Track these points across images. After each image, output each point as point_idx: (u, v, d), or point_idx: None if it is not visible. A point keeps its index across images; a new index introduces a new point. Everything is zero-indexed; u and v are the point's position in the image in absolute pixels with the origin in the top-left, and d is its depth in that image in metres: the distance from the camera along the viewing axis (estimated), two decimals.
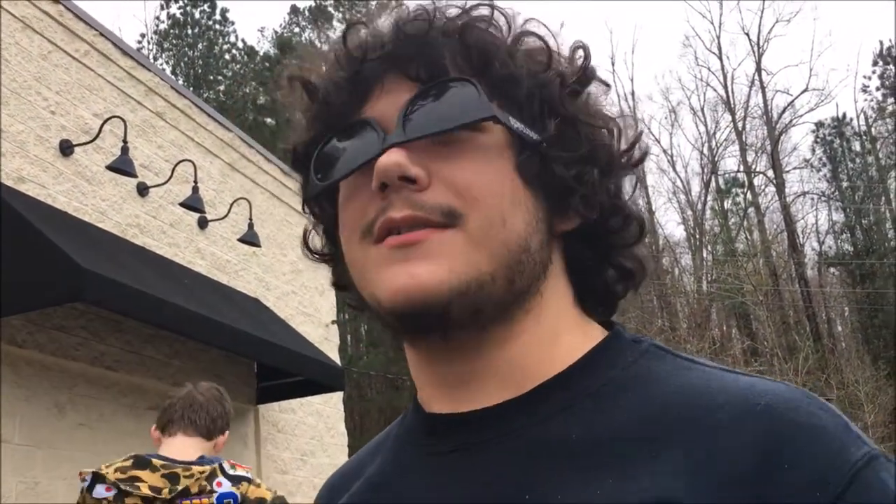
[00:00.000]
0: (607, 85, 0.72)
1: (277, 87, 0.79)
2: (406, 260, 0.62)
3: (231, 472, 2.62)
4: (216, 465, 2.61)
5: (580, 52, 0.71)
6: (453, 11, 0.68)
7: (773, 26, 32.03)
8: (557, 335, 0.67)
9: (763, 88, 30.95)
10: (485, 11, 0.68)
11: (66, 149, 6.03)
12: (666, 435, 0.57)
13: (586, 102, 0.70)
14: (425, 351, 0.69)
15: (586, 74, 0.70)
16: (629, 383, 0.63)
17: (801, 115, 31.97)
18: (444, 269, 0.61)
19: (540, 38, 0.69)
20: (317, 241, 0.78)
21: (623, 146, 0.71)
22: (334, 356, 9.40)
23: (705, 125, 32.24)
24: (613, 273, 0.72)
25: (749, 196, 30.86)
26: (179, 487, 2.50)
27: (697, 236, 30.42)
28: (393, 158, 0.62)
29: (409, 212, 0.62)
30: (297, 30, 34.09)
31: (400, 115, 0.64)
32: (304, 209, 0.77)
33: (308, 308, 9.41)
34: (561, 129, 0.66)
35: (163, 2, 30.92)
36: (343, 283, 0.76)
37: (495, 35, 0.67)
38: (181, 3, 30.98)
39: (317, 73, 0.71)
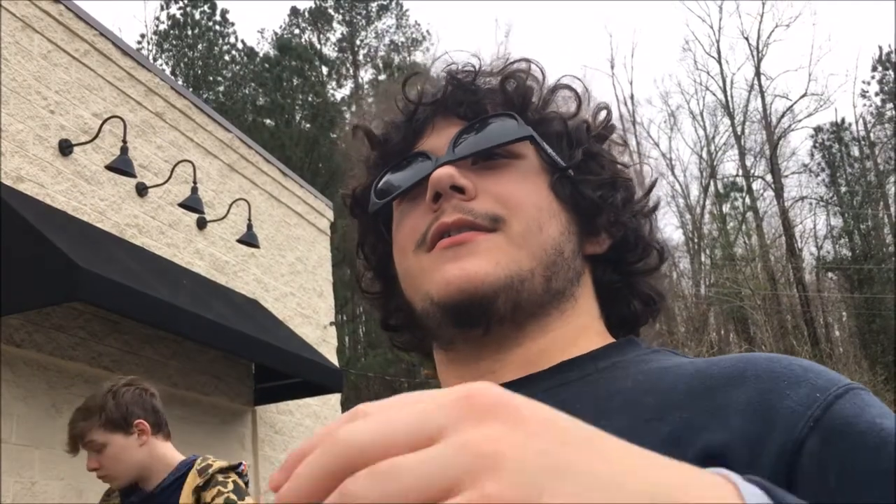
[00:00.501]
0: (626, 143, 0.85)
1: (345, 137, 0.88)
2: (457, 258, 0.71)
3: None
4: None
5: (604, 112, 0.83)
6: (496, 65, 0.81)
7: (773, 31, 32.08)
8: (582, 335, 0.75)
9: (762, 93, 30.99)
10: (523, 66, 0.81)
11: (65, 148, 6.03)
12: (671, 387, 0.63)
13: (609, 149, 0.82)
14: (461, 347, 0.75)
15: (608, 128, 0.83)
16: (642, 362, 0.70)
17: (799, 120, 32.04)
18: (490, 263, 0.70)
19: (571, 89, 0.82)
20: (368, 283, 0.87)
21: (640, 192, 0.83)
22: (332, 358, 9.39)
23: (704, 129, 32.28)
24: (635, 300, 0.81)
25: (748, 200, 30.89)
26: None
27: (696, 240, 30.43)
28: (446, 171, 0.72)
29: (459, 216, 0.72)
30: (296, 31, 34.09)
31: (451, 143, 0.76)
32: (357, 254, 0.87)
33: (306, 309, 9.40)
34: (587, 160, 0.78)
35: (163, 2, 30.92)
36: (393, 324, 0.85)
37: (532, 85, 0.80)
38: (181, 3, 30.99)
39: (377, 124, 0.84)
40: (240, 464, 2.68)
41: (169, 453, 2.67)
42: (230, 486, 2.54)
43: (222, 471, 2.60)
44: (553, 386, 0.69)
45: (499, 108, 0.78)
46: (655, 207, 0.84)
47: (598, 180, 0.78)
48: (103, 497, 2.89)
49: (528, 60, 0.82)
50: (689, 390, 0.62)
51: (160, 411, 2.72)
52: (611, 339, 0.78)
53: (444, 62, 0.83)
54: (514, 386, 0.69)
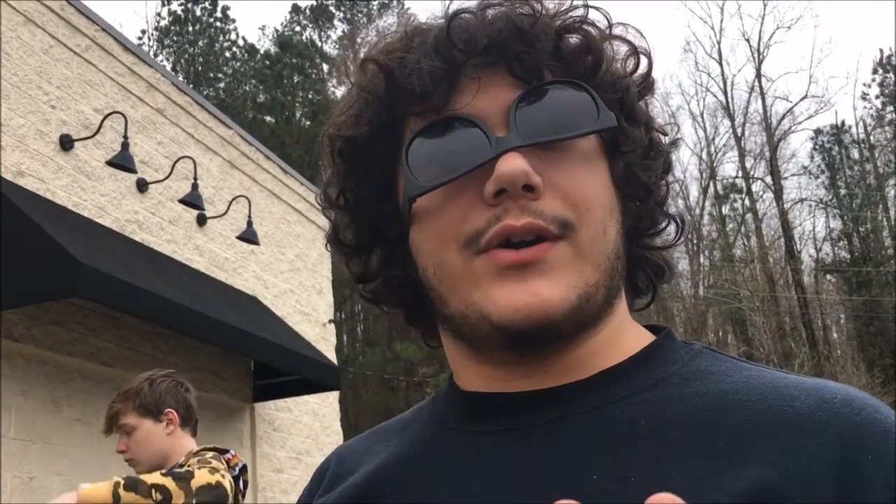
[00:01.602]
0: (653, 89, 0.74)
1: (344, 67, 0.73)
2: (524, 277, 0.61)
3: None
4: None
5: (644, 59, 0.71)
6: (551, 8, 0.67)
7: (774, 33, 32.11)
8: (622, 331, 0.68)
9: (763, 95, 31.02)
10: (581, 10, 0.67)
11: (66, 143, 6.03)
12: (741, 427, 0.57)
13: (647, 106, 0.71)
14: (500, 357, 0.66)
15: (650, 81, 0.72)
16: (692, 377, 0.64)
17: (800, 122, 32.07)
18: (562, 286, 0.61)
19: (630, 43, 0.70)
20: (345, 235, 0.75)
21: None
22: (331, 355, 9.40)
23: (704, 130, 32.31)
24: (650, 273, 0.74)
25: (747, 202, 30.92)
26: None
27: (695, 241, 30.46)
28: (519, 165, 0.60)
29: (529, 219, 0.61)
30: (297, 28, 34.08)
31: (511, 117, 0.62)
32: (335, 201, 0.74)
33: (305, 307, 9.41)
34: (645, 139, 0.69)
35: None
36: (369, 275, 0.75)
37: (594, 33, 0.67)
38: (182, 0, 30.98)
39: (397, 59, 0.66)
40: (227, 450, 2.74)
41: (188, 446, 2.75)
42: (211, 461, 2.59)
43: (212, 451, 2.69)
44: (602, 404, 0.63)
45: (564, 69, 0.65)
46: (668, 186, 0.75)
47: (651, 164, 0.69)
48: None
49: (592, 6, 0.68)
50: (761, 433, 0.56)
51: (192, 406, 2.83)
52: (645, 332, 0.71)
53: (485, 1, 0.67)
54: (557, 397, 0.64)
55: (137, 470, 2.74)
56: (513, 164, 0.60)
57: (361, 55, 0.70)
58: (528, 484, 0.60)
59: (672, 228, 0.74)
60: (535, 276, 0.61)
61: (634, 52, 0.69)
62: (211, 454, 2.64)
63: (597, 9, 0.68)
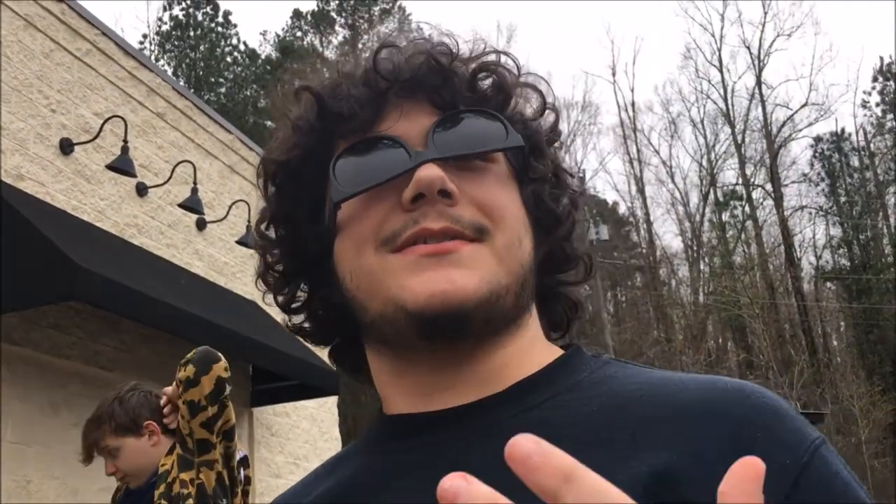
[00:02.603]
0: (563, 146, 0.83)
1: (283, 91, 0.80)
2: (440, 267, 0.66)
3: None
4: None
5: (553, 115, 0.79)
6: (469, 50, 0.75)
7: (774, 40, 32.16)
8: (533, 348, 0.73)
9: (763, 102, 31.05)
10: (500, 58, 0.75)
11: (66, 147, 6.03)
12: (642, 417, 0.62)
13: (555, 151, 0.79)
14: (417, 358, 0.70)
15: (557, 132, 0.79)
16: (599, 381, 0.68)
17: (800, 130, 32.05)
18: (477, 276, 0.66)
19: (538, 90, 0.77)
20: (276, 260, 0.79)
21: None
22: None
23: (705, 137, 32.33)
24: (564, 308, 0.80)
25: (747, 209, 30.93)
26: None
27: (695, 248, 30.47)
28: (436, 172, 0.66)
29: (446, 223, 0.66)
30: (299, 34, 34.14)
31: (429, 135, 0.69)
32: (266, 227, 0.78)
33: None
34: (551, 171, 0.75)
35: (166, 3, 30.97)
36: (296, 304, 0.79)
37: (508, 75, 0.75)
38: (184, 4, 31.03)
39: (329, 87, 0.74)
40: None
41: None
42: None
43: None
44: (519, 411, 0.66)
45: (477, 101, 0.72)
46: (575, 221, 0.81)
47: (559, 195, 0.76)
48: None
49: (504, 53, 0.76)
50: (660, 421, 0.61)
51: None
52: (556, 349, 0.75)
53: (413, 38, 0.76)
54: (475, 410, 0.68)
55: (135, 484, 2.73)
56: (430, 171, 0.66)
57: (296, 85, 0.77)
58: None
59: (581, 268, 0.80)
60: (451, 265, 0.66)
61: (542, 98, 0.77)
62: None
63: (507, 54, 0.77)
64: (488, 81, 0.74)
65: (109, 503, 2.96)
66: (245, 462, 2.75)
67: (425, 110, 0.71)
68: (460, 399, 0.69)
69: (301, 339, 0.82)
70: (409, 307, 0.66)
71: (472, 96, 0.72)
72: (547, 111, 0.78)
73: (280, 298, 0.79)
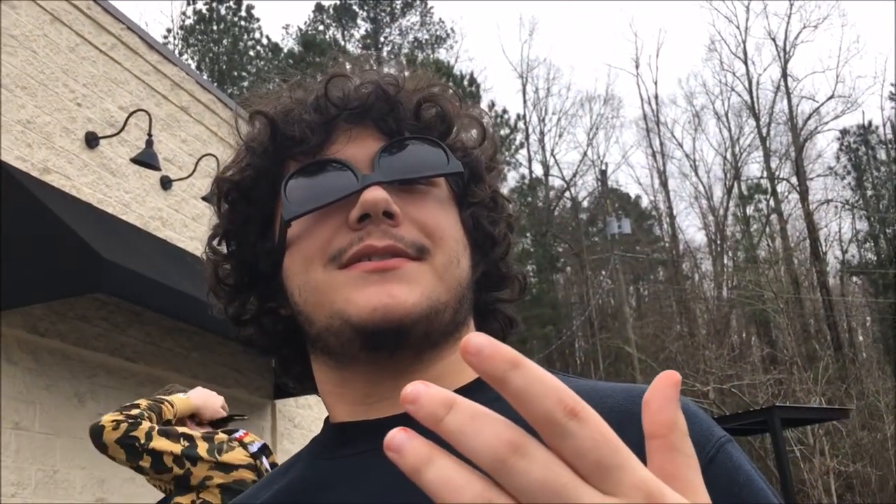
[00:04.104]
0: (503, 174, 0.90)
1: (240, 115, 0.86)
2: (383, 282, 0.70)
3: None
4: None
5: (493, 144, 0.85)
6: (417, 80, 0.81)
7: (800, 32, 31.70)
8: None
9: (788, 94, 30.71)
10: (441, 84, 0.82)
11: (91, 141, 6.09)
12: None
13: (495, 176, 0.85)
14: (359, 369, 0.74)
15: (495, 159, 0.85)
16: None
17: (826, 122, 31.66)
18: (417, 292, 0.70)
19: (478, 120, 0.84)
20: (227, 274, 0.82)
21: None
22: None
23: (729, 130, 32.04)
24: (500, 323, 0.85)
25: (772, 203, 30.63)
26: None
27: (718, 242, 30.23)
28: (381, 194, 0.71)
29: (389, 242, 0.71)
30: (321, 27, 34.20)
31: (375, 159, 0.74)
32: (217, 242, 0.83)
33: None
34: (489, 196, 0.81)
35: None
36: (245, 315, 0.82)
37: (450, 106, 0.80)
38: None
39: (281, 112, 0.78)
40: (235, 430, 2.85)
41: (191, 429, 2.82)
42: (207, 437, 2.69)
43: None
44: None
45: (421, 129, 0.78)
46: (510, 243, 0.86)
47: (496, 218, 0.81)
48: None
49: (443, 85, 0.82)
50: None
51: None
52: None
53: (363, 69, 0.83)
54: (403, 421, 0.69)
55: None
56: (375, 193, 0.71)
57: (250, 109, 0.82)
58: (386, 496, 0.67)
59: (515, 287, 0.85)
60: (394, 281, 0.70)
61: (482, 129, 0.83)
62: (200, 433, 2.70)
63: (450, 87, 0.83)
64: (432, 111, 0.79)
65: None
66: (266, 450, 2.77)
67: (372, 136, 0.76)
68: (400, 408, 0.70)
69: (248, 351, 0.86)
70: (353, 320, 0.70)
71: (417, 124, 0.78)
72: (486, 141, 0.83)
73: (230, 310, 0.83)
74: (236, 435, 2.75)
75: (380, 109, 0.77)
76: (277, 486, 0.78)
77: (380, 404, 0.74)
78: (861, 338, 30.51)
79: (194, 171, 6.93)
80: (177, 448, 2.57)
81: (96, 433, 2.56)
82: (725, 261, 30.08)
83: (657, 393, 0.39)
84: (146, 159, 5.99)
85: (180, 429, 2.65)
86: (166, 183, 6.83)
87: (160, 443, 2.55)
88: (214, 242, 0.83)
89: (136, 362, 6.25)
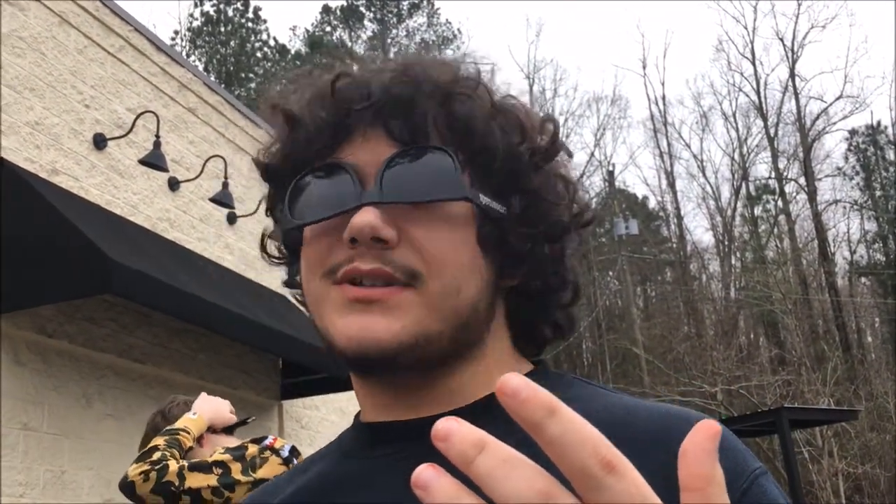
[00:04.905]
0: (570, 154, 0.79)
1: (264, 104, 0.82)
2: (364, 312, 0.68)
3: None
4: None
5: (550, 125, 0.76)
6: (440, 75, 0.72)
7: (808, 32, 31.59)
8: (496, 367, 0.74)
9: (796, 94, 30.60)
10: (469, 78, 0.73)
11: (99, 142, 6.11)
12: None
13: (548, 173, 0.75)
14: (374, 380, 0.74)
15: (554, 147, 0.76)
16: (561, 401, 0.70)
17: (834, 123, 31.53)
18: (397, 325, 0.67)
19: (516, 111, 0.74)
20: (273, 248, 0.85)
21: (574, 210, 0.78)
22: None
23: (737, 131, 31.95)
24: (546, 327, 0.79)
25: (780, 203, 30.53)
26: None
27: (726, 243, 30.15)
28: (368, 219, 0.66)
29: (377, 265, 0.67)
30: (328, 29, 34.25)
31: (378, 173, 0.69)
32: (267, 214, 0.84)
33: None
34: (523, 206, 0.73)
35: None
36: (293, 282, 0.84)
37: (478, 104, 0.72)
38: (214, 0, 31.26)
39: (300, 106, 0.75)
40: (265, 437, 2.80)
41: (224, 443, 2.79)
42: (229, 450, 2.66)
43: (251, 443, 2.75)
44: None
45: (439, 132, 0.70)
46: (586, 224, 0.80)
47: (529, 233, 0.73)
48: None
49: (475, 79, 0.73)
50: (615, 445, 0.62)
51: None
52: (521, 364, 0.77)
53: (384, 60, 0.77)
54: (429, 425, 0.69)
55: None
56: (363, 217, 0.67)
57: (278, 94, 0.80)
58: (412, 500, 0.65)
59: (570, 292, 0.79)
60: (376, 313, 0.67)
61: (525, 126, 0.74)
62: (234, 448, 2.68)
63: (480, 73, 0.74)
64: (455, 112, 0.71)
65: None
66: (295, 452, 2.76)
67: (384, 141, 0.71)
68: (428, 411, 0.71)
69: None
70: (336, 345, 0.69)
71: (437, 130, 0.70)
72: (525, 139, 0.74)
73: (285, 274, 0.85)
74: (266, 443, 2.73)
75: (392, 110, 0.70)
76: (301, 482, 0.78)
77: (403, 410, 0.73)
78: (870, 339, 30.37)
79: (202, 172, 6.94)
80: (212, 480, 2.53)
81: (128, 489, 2.50)
82: (733, 261, 30.00)
83: (695, 445, 0.38)
84: (154, 161, 6.01)
85: (209, 457, 2.61)
86: (174, 184, 6.84)
87: (195, 480, 2.51)
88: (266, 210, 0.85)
89: (144, 363, 6.27)
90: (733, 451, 0.65)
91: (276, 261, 0.85)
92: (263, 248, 0.86)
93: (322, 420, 8.86)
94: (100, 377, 5.90)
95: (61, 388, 5.55)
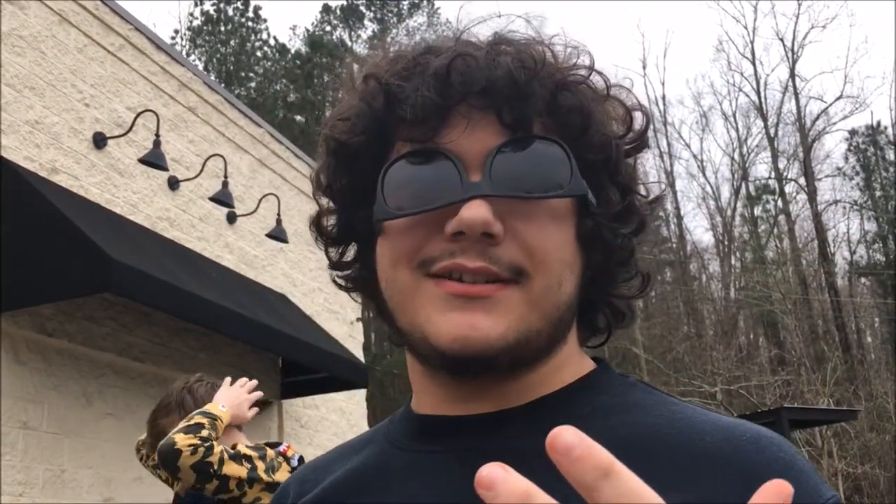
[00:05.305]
0: (647, 146, 0.76)
1: (345, 74, 0.77)
2: (467, 309, 0.64)
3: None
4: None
5: (642, 118, 0.73)
6: (554, 59, 0.69)
7: (808, 32, 31.63)
8: (562, 366, 0.72)
9: (796, 95, 30.60)
10: (580, 64, 0.70)
11: (99, 141, 6.10)
12: (653, 457, 0.61)
13: (635, 166, 0.74)
14: (445, 377, 0.70)
15: (644, 141, 0.74)
16: (619, 408, 0.68)
17: (834, 123, 31.53)
18: (503, 324, 0.64)
19: (624, 105, 0.72)
20: (328, 229, 0.79)
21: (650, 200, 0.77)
22: (358, 354, 9.43)
23: (737, 131, 31.96)
24: (609, 316, 0.77)
25: (780, 203, 30.53)
26: None
27: (726, 243, 30.15)
28: (481, 214, 0.63)
29: (482, 263, 0.64)
30: (328, 28, 34.24)
31: (488, 163, 0.65)
32: (324, 192, 0.77)
33: (333, 305, 9.45)
34: (618, 200, 0.71)
35: None
36: (343, 265, 0.79)
37: (589, 94, 0.69)
38: (214, 0, 31.25)
39: (397, 80, 0.69)
40: (279, 443, 2.80)
41: (238, 439, 2.78)
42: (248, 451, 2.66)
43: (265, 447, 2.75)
44: (526, 433, 0.65)
45: (553, 123, 0.67)
46: (633, 249, 0.77)
47: (622, 228, 0.72)
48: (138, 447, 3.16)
49: (587, 67, 0.70)
50: (675, 467, 0.60)
51: None
52: (586, 362, 0.75)
53: (492, 41, 0.70)
54: (492, 421, 0.68)
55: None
56: (475, 211, 0.63)
57: (367, 65, 0.73)
58: (459, 497, 0.63)
59: (637, 281, 0.77)
60: (479, 310, 0.64)
61: (628, 115, 0.71)
62: (252, 449, 2.68)
63: (599, 72, 0.71)
64: (568, 101, 0.67)
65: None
66: (302, 463, 2.76)
67: (494, 128, 0.66)
68: (484, 407, 0.69)
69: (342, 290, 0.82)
70: (433, 343, 0.65)
71: (549, 119, 0.67)
72: (630, 131, 0.72)
73: (330, 254, 0.80)
74: (281, 449, 2.75)
75: (506, 98, 0.66)
76: (354, 463, 0.76)
77: (464, 404, 0.70)
78: (869, 339, 30.37)
79: (202, 171, 6.94)
80: (243, 473, 2.54)
81: (172, 456, 2.48)
82: (733, 261, 30.00)
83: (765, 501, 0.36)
84: (153, 160, 6.01)
85: (241, 450, 2.62)
86: (174, 183, 6.84)
87: (230, 468, 2.52)
88: (317, 189, 0.78)
89: (144, 362, 6.27)
90: (804, 474, 0.61)
91: (332, 242, 0.79)
92: (317, 224, 0.79)
93: (321, 419, 8.86)
94: (99, 376, 5.90)
95: (61, 386, 5.55)
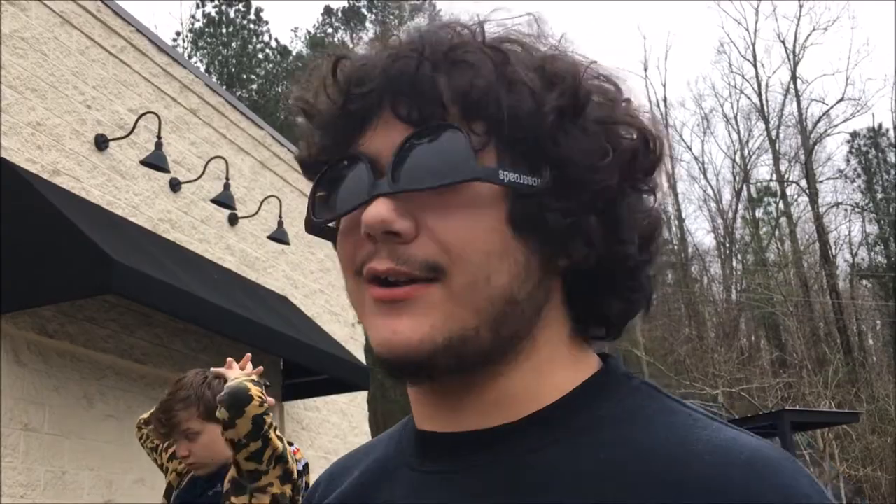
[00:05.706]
0: (618, 87, 0.68)
1: (287, 100, 0.77)
2: (389, 314, 0.63)
3: None
4: None
5: (575, 68, 0.65)
6: (447, 38, 0.64)
7: (810, 34, 31.61)
8: (549, 369, 0.67)
9: (798, 97, 30.60)
10: (473, 39, 0.64)
11: (101, 143, 6.11)
12: (645, 478, 0.58)
13: (585, 130, 0.64)
14: (417, 388, 0.70)
15: (584, 97, 0.64)
16: (617, 422, 0.64)
17: (836, 125, 31.52)
18: (426, 325, 0.62)
19: (547, 71, 0.64)
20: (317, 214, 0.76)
21: (648, 154, 0.68)
22: (360, 356, 9.43)
23: (738, 133, 31.95)
24: (615, 301, 0.70)
25: (781, 205, 30.52)
26: None
27: (727, 245, 30.14)
28: (379, 213, 0.61)
29: (391, 265, 0.62)
30: (329, 30, 34.27)
31: (391, 161, 0.62)
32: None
33: (335, 307, 9.44)
34: (556, 176, 0.63)
35: (198, 0, 31.23)
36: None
37: (489, 67, 0.62)
38: (216, 1, 31.28)
39: (318, 97, 0.69)
40: (291, 443, 2.75)
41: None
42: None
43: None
44: (525, 451, 0.63)
45: (451, 105, 0.62)
46: (658, 164, 0.69)
47: (568, 206, 0.63)
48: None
49: (478, 37, 0.64)
50: (664, 488, 0.57)
51: None
52: (584, 366, 0.69)
53: (386, 36, 0.68)
54: (488, 439, 0.66)
55: (201, 472, 2.75)
56: (373, 212, 0.61)
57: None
58: None
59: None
60: (402, 313, 0.62)
61: (551, 82, 0.63)
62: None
63: (521, 43, 0.65)
64: (466, 77, 0.62)
65: (163, 495, 2.99)
66: (306, 470, 2.75)
67: (397, 125, 0.63)
68: (478, 420, 0.67)
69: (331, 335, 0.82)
70: (373, 348, 0.65)
71: (449, 101, 0.62)
72: (555, 90, 0.63)
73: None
74: (292, 449, 2.74)
75: (394, 90, 0.63)
76: (365, 466, 0.76)
77: (452, 417, 0.68)
78: (871, 341, 30.35)
79: (203, 173, 6.94)
80: (279, 447, 2.52)
81: (244, 400, 2.44)
82: (734, 264, 29.99)
83: None
84: (155, 161, 6.01)
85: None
86: (175, 185, 6.84)
87: (274, 438, 2.51)
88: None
89: (145, 364, 6.27)
90: (809, 497, 0.57)
91: (326, 233, 0.78)
92: (312, 219, 0.77)
93: (323, 422, 8.86)
94: (101, 378, 5.90)
95: (62, 388, 5.55)
